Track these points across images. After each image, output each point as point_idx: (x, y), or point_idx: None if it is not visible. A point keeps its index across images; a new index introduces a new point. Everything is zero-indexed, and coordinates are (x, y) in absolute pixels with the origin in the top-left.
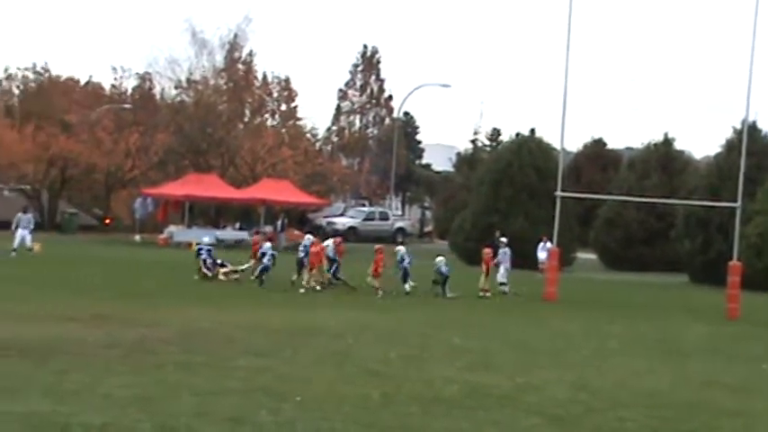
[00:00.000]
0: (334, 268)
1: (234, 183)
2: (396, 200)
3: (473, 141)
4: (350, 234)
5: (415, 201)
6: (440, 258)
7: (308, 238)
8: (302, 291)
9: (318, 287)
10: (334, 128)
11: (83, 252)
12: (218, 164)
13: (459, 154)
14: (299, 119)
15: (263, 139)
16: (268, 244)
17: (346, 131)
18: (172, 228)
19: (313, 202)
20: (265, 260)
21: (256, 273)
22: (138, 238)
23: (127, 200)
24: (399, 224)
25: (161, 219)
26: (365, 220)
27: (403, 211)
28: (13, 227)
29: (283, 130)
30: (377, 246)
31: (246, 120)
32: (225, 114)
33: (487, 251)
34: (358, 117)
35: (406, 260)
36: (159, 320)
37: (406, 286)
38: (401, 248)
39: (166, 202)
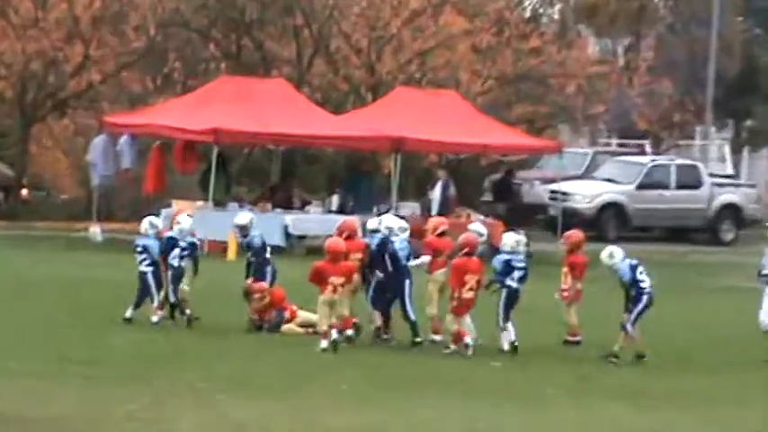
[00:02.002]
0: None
1: (325, 99)
2: (719, 139)
3: None
4: (608, 218)
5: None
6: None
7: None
8: (323, 345)
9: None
10: None
11: None
12: (286, 56)
13: None
14: None
15: None
16: (185, 221)
17: None
18: (175, 207)
19: (519, 147)
20: (172, 258)
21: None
22: (96, 231)
23: (70, 142)
24: (726, 196)
25: (150, 187)
26: (641, 187)
27: (736, 168)
28: None
29: None
30: (463, 238)
31: None
32: None
33: None
34: None
35: (517, 271)
36: (148, 426)
37: (506, 337)
38: (515, 237)
39: (163, 145)
